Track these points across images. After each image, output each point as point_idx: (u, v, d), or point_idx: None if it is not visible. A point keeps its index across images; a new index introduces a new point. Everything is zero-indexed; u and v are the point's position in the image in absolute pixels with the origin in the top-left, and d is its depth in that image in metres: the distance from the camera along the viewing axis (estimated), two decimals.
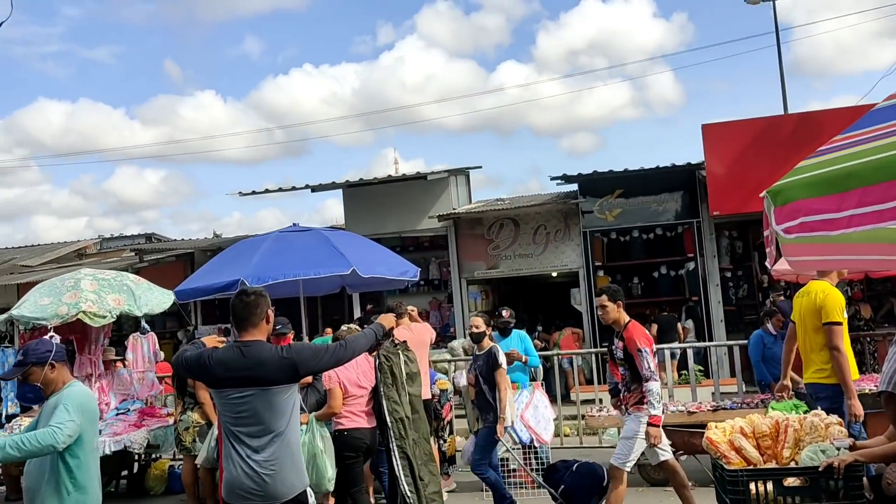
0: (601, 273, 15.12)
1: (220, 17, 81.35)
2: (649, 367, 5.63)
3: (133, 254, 16.68)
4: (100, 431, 7.72)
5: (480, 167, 16.62)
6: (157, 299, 8.45)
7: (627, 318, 5.86)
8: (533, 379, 8.57)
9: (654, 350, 5.88)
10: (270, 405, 3.55)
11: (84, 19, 77.91)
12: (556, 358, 11.21)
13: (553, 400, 9.91)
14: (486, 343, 6.79)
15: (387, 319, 4.20)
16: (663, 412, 5.88)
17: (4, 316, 7.99)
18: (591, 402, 11.07)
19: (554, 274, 16.23)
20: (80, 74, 78.10)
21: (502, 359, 6.70)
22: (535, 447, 7.48)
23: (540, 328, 16.22)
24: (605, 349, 6.48)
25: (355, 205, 16.21)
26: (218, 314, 16.42)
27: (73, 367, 8.39)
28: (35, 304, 7.77)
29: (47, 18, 77.25)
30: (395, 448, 4.91)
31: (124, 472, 8.97)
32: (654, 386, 5.60)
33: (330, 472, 5.49)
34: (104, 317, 7.75)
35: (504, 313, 8.40)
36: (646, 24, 60.36)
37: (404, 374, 4.70)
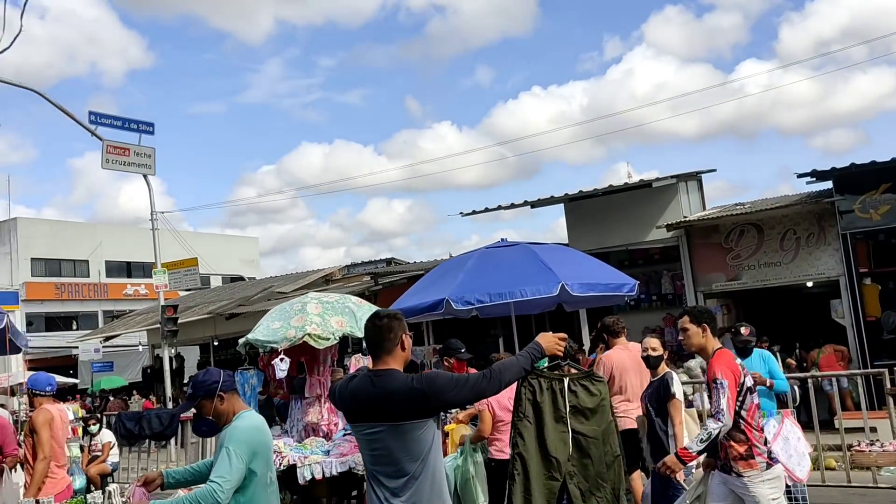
0: (868, 281, 13.10)
1: (453, 52, 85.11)
2: (719, 404, 4.34)
3: (369, 277, 17.54)
4: (327, 452, 7.94)
5: (714, 170, 15.11)
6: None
7: (717, 345, 4.66)
8: (783, 406, 7.43)
9: (745, 388, 4.49)
10: (403, 443, 3.12)
11: (337, 68, 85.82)
12: (814, 379, 9.77)
13: (811, 428, 8.60)
14: (663, 369, 5.88)
15: (545, 340, 3.51)
16: None
17: (243, 340, 8.55)
18: (860, 430, 9.46)
19: (809, 284, 14.38)
20: (335, 118, 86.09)
21: (676, 388, 5.73)
22: (787, 486, 6.40)
23: (798, 346, 14.42)
24: (875, 369, 5.25)
25: (578, 219, 15.64)
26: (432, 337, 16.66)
27: (304, 388, 8.75)
28: (267, 328, 8.21)
29: (307, 72, 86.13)
30: (507, 486, 4.06)
31: (354, 493, 9.17)
32: (714, 427, 4.34)
33: (481, 499, 5.05)
34: (328, 339, 7.96)
35: (743, 331, 7.38)
36: None
37: (567, 406, 3.94)
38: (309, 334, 7.85)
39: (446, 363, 6.75)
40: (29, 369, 37.49)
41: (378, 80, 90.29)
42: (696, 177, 15.89)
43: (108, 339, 22.94)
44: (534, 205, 14.78)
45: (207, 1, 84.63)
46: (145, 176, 17.28)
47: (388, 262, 23.78)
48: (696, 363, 12.47)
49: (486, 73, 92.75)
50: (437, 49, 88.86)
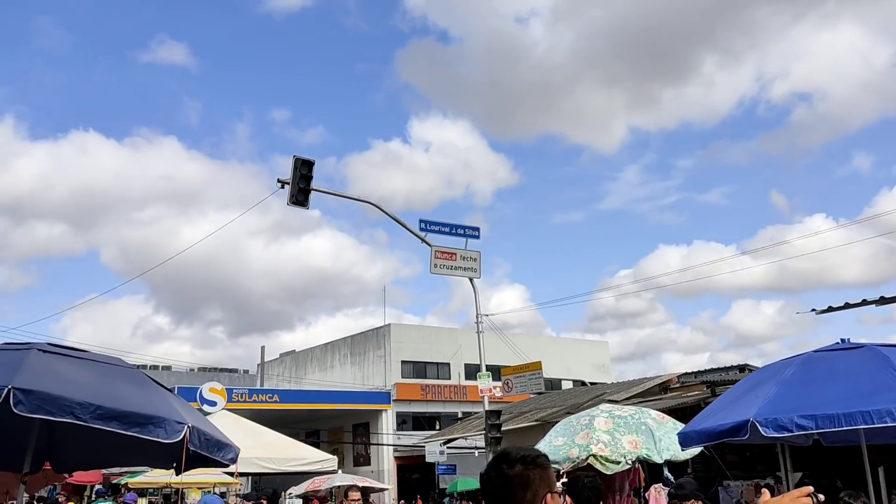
0: None
1: (822, 140, 77.84)
2: None
3: (706, 387, 15.37)
4: None
5: None
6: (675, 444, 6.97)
7: None
8: None
9: None
10: None
11: (694, 168, 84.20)
12: None
13: None
14: None
15: None
16: None
17: None
18: None
19: None
20: (693, 218, 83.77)
21: None
22: None
23: None
24: None
25: None
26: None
27: None
28: (549, 444, 7.18)
29: (664, 174, 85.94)
30: None
31: None
32: None
33: None
34: (617, 462, 6.66)
35: None
36: None
37: None
38: (594, 455, 6.64)
39: None
40: (398, 466, 40.75)
41: (738, 177, 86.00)
42: None
43: (447, 441, 23.54)
44: None
45: (564, 119, 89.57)
46: (471, 280, 17.74)
47: (742, 368, 20.95)
48: None
49: (865, 159, 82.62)
50: (803, 139, 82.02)
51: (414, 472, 37.66)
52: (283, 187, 15.08)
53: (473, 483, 29.18)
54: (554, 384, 42.53)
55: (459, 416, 42.16)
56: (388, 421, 40.17)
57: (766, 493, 3.09)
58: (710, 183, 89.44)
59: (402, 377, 42.32)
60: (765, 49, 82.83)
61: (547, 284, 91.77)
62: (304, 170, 14.95)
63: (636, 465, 7.15)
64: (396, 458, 39.71)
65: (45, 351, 4.70)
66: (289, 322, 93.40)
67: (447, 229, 17.59)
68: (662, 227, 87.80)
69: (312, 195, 15.05)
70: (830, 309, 11.77)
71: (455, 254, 17.28)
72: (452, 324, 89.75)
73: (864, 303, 11.58)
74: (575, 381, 44.84)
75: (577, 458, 6.75)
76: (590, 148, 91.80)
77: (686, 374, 20.08)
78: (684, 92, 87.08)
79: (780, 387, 4.99)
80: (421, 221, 17.39)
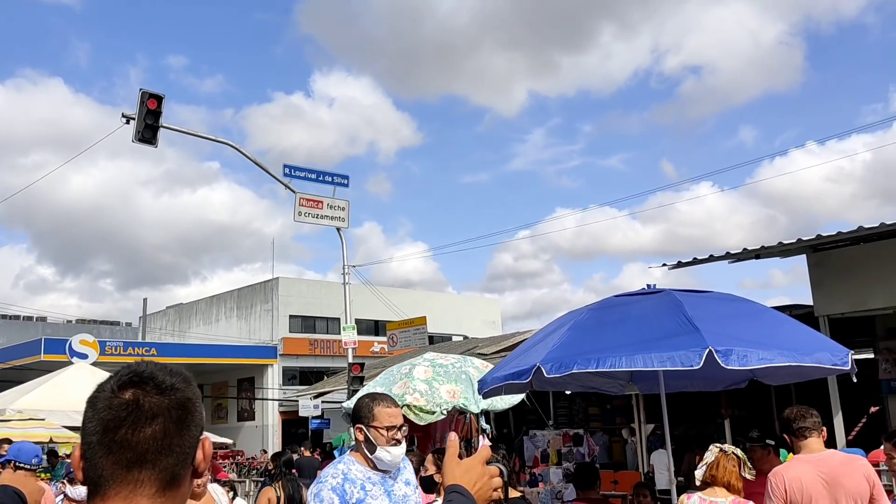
0: None
1: (710, 112, 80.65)
2: None
3: None
4: None
5: None
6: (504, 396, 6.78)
7: None
8: None
9: None
10: None
11: (594, 133, 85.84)
12: None
13: None
14: None
15: (474, 484, 1.71)
16: None
17: (346, 405, 7.28)
18: None
19: None
20: (590, 183, 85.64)
21: None
22: None
23: None
24: None
25: (827, 274, 12.41)
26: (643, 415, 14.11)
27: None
28: None
29: (570, 139, 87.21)
30: None
31: None
32: None
33: None
34: (432, 412, 6.40)
35: None
36: None
37: None
38: (409, 405, 6.35)
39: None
40: (283, 421, 40.23)
41: (634, 145, 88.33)
42: None
43: (319, 395, 23.21)
44: (759, 255, 11.94)
45: (467, 81, 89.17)
46: (339, 229, 17.19)
47: None
48: None
49: (749, 132, 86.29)
50: (693, 110, 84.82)
51: (299, 426, 37.27)
52: (128, 122, 13.94)
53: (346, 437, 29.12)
54: (444, 339, 42.79)
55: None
56: (274, 376, 39.46)
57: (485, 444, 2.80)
58: (611, 149, 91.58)
59: (290, 332, 41.55)
60: (660, 22, 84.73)
61: (449, 243, 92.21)
62: (151, 104, 13.88)
63: (460, 416, 6.95)
64: (282, 412, 39.16)
65: None
66: (183, 276, 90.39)
67: (314, 176, 16.87)
68: (562, 189, 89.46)
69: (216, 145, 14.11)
70: (680, 264, 11.95)
71: (322, 202, 16.63)
72: (353, 280, 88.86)
73: (712, 258, 11.81)
74: (466, 337, 45.30)
75: None
76: (492, 110, 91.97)
77: None
78: (583, 60, 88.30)
79: (573, 331, 4.80)
80: (285, 167, 16.61)
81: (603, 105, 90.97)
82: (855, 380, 4.78)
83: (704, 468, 4.80)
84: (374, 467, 3.14)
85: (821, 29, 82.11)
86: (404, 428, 3.27)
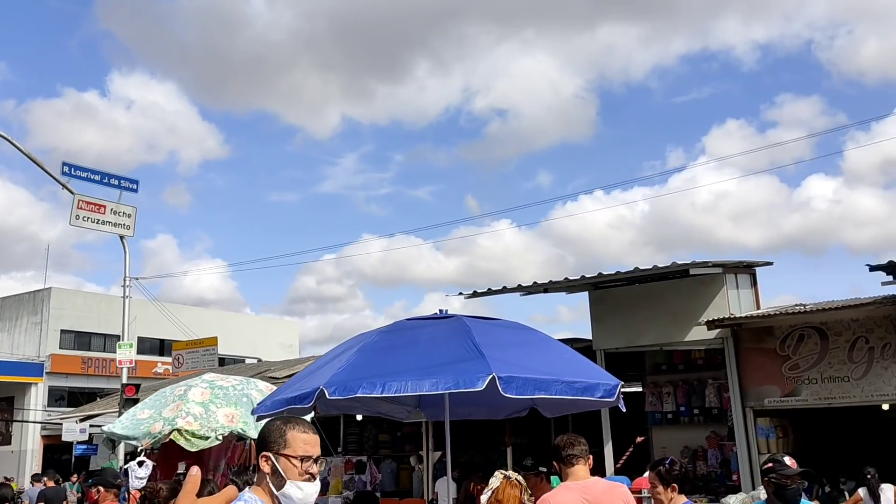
0: None
1: (513, 154, 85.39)
2: None
3: None
4: None
5: (770, 263, 12.61)
6: None
7: None
8: None
9: None
10: None
11: (406, 163, 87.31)
12: None
13: None
14: None
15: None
16: None
17: (106, 429, 6.56)
18: None
19: (885, 406, 11.62)
20: (399, 212, 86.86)
21: None
22: None
23: (844, 482, 11.38)
24: None
25: (606, 311, 13.33)
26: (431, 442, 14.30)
27: None
28: (133, 417, 6.21)
29: (382, 165, 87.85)
30: None
31: None
32: None
33: None
34: (206, 437, 5.90)
35: (787, 461, 5.00)
36: None
37: None
38: (179, 429, 5.81)
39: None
40: (45, 446, 36.26)
41: (442, 178, 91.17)
42: (749, 270, 13.48)
43: (87, 418, 21.22)
44: (547, 289, 12.60)
45: (279, 98, 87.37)
46: (122, 238, 15.85)
47: None
48: (736, 500, 9.83)
49: (547, 176, 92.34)
50: (497, 151, 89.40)
51: (63, 452, 33.74)
52: None
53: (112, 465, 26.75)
54: (237, 361, 40.95)
55: None
56: (38, 395, 35.55)
57: None
58: (420, 180, 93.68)
59: (61, 348, 37.73)
60: (473, 64, 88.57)
61: (252, 266, 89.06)
62: None
63: (239, 442, 6.49)
64: (44, 436, 35.31)
65: None
66: None
67: (97, 177, 15.32)
68: (371, 216, 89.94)
69: None
70: (476, 294, 12.31)
71: (104, 206, 15.20)
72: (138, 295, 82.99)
73: (505, 290, 12.29)
74: (260, 360, 43.68)
75: (160, 432, 5.89)
76: (304, 130, 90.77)
77: None
78: (398, 91, 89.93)
79: (361, 353, 4.63)
80: (64, 164, 15.03)
81: (415, 136, 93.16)
82: (624, 409, 5.01)
83: (490, 494, 4.81)
84: None
85: (613, 88, 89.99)
86: (322, 461, 2.67)
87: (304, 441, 2.57)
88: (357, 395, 4.20)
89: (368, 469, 10.45)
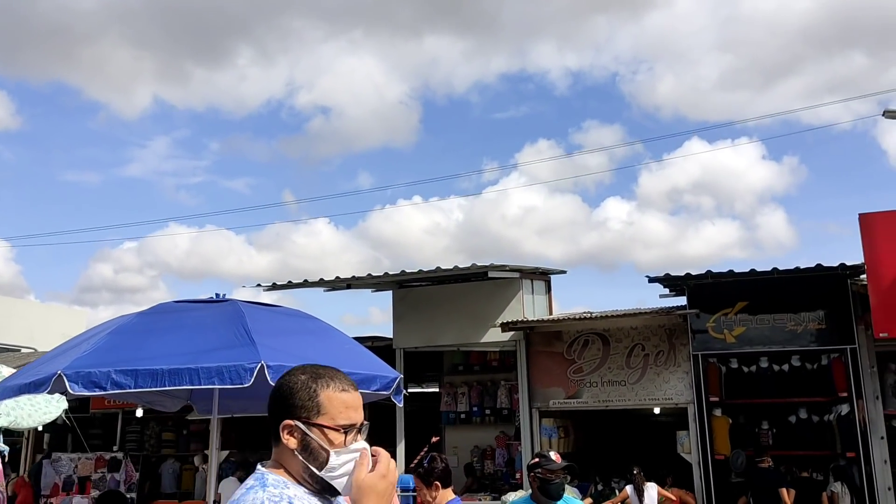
0: (718, 412, 11.39)
1: (335, 152, 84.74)
2: None
3: None
4: None
5: (564, 272, 13.25)
6: (41, 409, 5.75)
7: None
8: None
9: None
10: None
11: (221, 152, 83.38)
12: None
13: None
14: None
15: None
16: None
17: None
18: None
19: (656, 410, 12.57)
20: (211, 203, 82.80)
21: None
22: None
23: (617, 481, 12.19)
24: None
25: (407, 309, 13.37)
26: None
27: None
28: None
29: (197, 153, 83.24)
30: None
31: None
32: None
33: None
34: None
35: (553, 456, 5.16)
36: (754, 167, 56.65)
37: None
38: None
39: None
40: None
41: (260, 171, 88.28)
42: (544, 277, 14.09)
43: None
44: (351, 284, 12.42)
45: (82, 71, 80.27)
46: None
47: None
48: (516, 496, 10.14)
49: (367, 178, 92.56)
50: (318, 148, 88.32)
51: None
52: None
53: None
54: (10, 351, 36.97)
55: None
56: None
57: None
58: (236, 171, 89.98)
59: None
60: (296, 58, 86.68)
61: (38, 245, 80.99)
62: None
63: None
64: None
65: None
66: None
67: None
68: (180, 204, 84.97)
69: None
70: (275, 286, 11.89)
71: None
72: None
73: (307, 283, 11.99)
74: (35, 351, 39.77)
75: None
76: (109, 107, 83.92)
77: None
78: (216, 77, 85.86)
79: (114, 335, 4.14)
80: None
81: (233, 126, 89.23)
82: (400, 404, 4.90)
83: None
84: (318, 489, 1.84)
85: (436, 98, 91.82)
86: (365, 426, 1.94)
87: (345, 404, 1.87)
88: (107, 391, 3.72)
89: (124, 467, 9.65)
